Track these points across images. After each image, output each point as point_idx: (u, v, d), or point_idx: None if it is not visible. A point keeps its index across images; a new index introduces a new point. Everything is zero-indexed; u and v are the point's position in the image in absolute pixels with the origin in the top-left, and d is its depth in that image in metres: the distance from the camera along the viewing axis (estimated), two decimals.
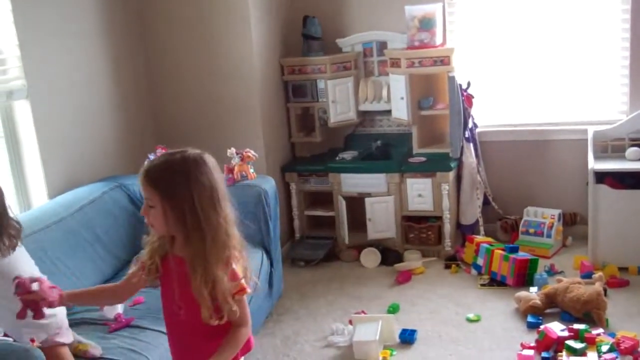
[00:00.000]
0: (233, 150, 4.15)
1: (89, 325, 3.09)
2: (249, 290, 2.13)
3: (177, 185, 2.04)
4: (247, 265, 2.16)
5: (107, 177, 4.33)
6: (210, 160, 2.13)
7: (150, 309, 3.28)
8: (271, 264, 4.11)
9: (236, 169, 4.13)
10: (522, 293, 4.08)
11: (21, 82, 3.72)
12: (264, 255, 4.04)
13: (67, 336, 2.70)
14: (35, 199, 3.89)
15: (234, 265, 2.10)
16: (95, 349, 2.83)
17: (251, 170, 4.17)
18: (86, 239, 3.71)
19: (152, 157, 4.25)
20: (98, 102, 4.40)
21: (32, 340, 2.84)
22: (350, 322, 3.96)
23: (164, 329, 3.03)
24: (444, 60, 4.75)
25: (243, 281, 2.12)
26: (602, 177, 4.41)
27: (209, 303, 2.04)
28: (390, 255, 4.90)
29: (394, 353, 3.70)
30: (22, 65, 3.72)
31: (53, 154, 3.93)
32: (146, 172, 2.07)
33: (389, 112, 5.14)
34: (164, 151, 4.24)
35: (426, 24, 4.77)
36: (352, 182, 5.00)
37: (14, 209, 3.79)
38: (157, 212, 2.05)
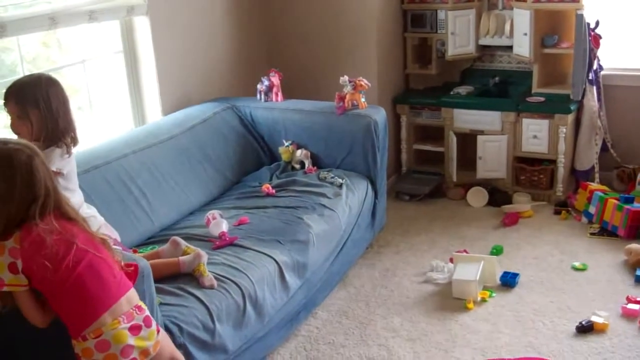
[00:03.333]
0: (346, 78, 4.10)
1: (195, 240, 3.18)
2: None
3: None
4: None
5: (219, 97, 4.39)
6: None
7: (254, 229, 3.34)
8: (375, 196, 4.09)
9: (347, 97, 4.09)
10: (634, 245, 3.90)
11: None
12: (369, 186, 4.03)
13: (111, 232, 2.80)
14: (149, 115, 4.00)
15: None
16: (203, 255, 2.94)
17: (362, 100, 4.11)
18: (196, 157, 3.80)
19: (264, 80, 4.27)
20: (215, 22, 4.43)
21: (135, 251, 2.98)
22: (451, 260, 3.91)
23: (267, 251, 3.13)
24: None
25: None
26: None
27: None
28: (498, 196, 4.78)
29: (493, 295, 3.65)
30: None
31: (169, 71, 4.01)
32: None
33: (510, 47, 4.93)
34: (277, 75, 4.28)
35: None
36: (466, 118, 4.87)
37: (129, 124, 3.95)
38: None
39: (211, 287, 2.82)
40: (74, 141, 2.69)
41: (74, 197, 2.64)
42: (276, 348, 3.26)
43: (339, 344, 3.32)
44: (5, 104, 2.61)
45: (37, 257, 2.04)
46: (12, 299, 2.10)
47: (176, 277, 2.85)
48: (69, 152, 2.66)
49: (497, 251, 4.08)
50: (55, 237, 2.07)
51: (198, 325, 2.64)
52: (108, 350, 2.07)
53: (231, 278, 2.89)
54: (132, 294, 2.19)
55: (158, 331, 2.25)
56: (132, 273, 2.28)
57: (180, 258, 2.90)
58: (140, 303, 2.21)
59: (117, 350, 2.08)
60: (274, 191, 3.80)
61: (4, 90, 2.64)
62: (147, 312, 2.21)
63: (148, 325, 2.18)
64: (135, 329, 2.13)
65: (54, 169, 2.41)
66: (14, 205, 2.05)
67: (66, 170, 2.64)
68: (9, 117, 2.62)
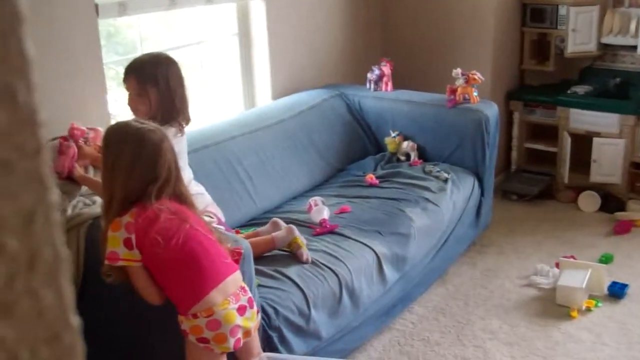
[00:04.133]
0: (459, 70, 4.01)
1: (295, 225, 3.18)
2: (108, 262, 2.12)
3: None
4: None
5: (329, 84, 4.39)
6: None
7: (355, 219, 3.33)
8: (482, 193, 3.99)
9: (459, 90, 4.00)
10: None
11: None
12: (476, 183, 3.94)
13: (217, 211, 2.81)
14: (259, 99, 4.04)
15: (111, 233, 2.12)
16: (295, 229, 2.97)
17: (474, 94, 4.01)
18: (303, 142, 3.83)
19: (375, 69, 4.24)
20: (329, 9, 4.42)
21: (237, 231, 3.01)
22: (557, 266, 3.77)
23: (366, 241, 3.10)
24: None
25: (113, 251, 2.11)
26: None
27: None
28: (611, 202, 4.57)
29: (599, 305, 3.49)
30: None
31: (281, 56, 4.03)
32: None
33: (634, 48, 4.69)
34: (388, 65, 4.23)
35: None
36: (582, 119, 4.68)
37: (239, 106, 4.01)
38: None
39: (307, 262, 2.84)
40: (187, 121, 2.74)
41: (183, 175, 2.70)
42: (369, 339, 3.24)
43: (434, 341, 3.27)
44: (125, 80, 2.65)
45: (150, 232, 2.09)
46: (123, 274, 2.16)
47: (274, 260, 2.88)
48: (181, 132, 2.69)
49: (606, 259, 3.91)
50: (168, 216, 2.12)
51: (294, 310, 2.65)
52: (218, 330, 2.11)
53: (329, 266, 2.89)
54: (238, 275, 2.22)
55: (258, 312, 2.27)
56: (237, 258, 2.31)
57: (274, 234, 2.92)
58: (244, 284, 2.23)
59: (227, 330, 2.11)
60: (377, 181, 3.77)
61: (125, 67, 2.68)
62: (250, 294, 2.23)
63: (251, 306, 2.21)
64: (241, 309, 2.16)
65: None
66: (136, 181, 2.12)
67: (177, 149, 2.69)
68: (128, 94, 2.65)
